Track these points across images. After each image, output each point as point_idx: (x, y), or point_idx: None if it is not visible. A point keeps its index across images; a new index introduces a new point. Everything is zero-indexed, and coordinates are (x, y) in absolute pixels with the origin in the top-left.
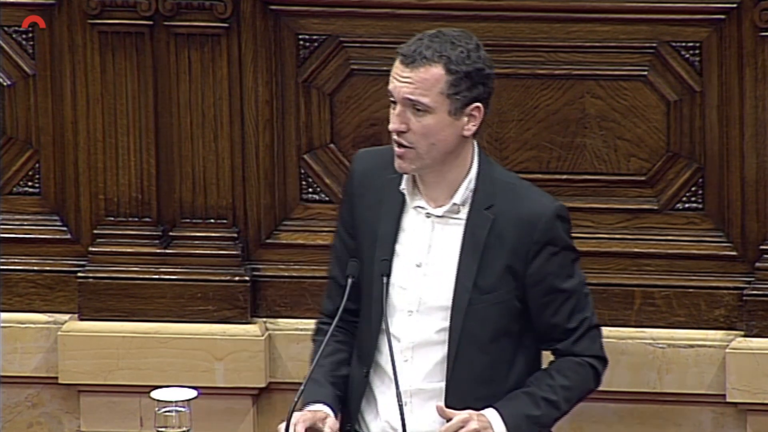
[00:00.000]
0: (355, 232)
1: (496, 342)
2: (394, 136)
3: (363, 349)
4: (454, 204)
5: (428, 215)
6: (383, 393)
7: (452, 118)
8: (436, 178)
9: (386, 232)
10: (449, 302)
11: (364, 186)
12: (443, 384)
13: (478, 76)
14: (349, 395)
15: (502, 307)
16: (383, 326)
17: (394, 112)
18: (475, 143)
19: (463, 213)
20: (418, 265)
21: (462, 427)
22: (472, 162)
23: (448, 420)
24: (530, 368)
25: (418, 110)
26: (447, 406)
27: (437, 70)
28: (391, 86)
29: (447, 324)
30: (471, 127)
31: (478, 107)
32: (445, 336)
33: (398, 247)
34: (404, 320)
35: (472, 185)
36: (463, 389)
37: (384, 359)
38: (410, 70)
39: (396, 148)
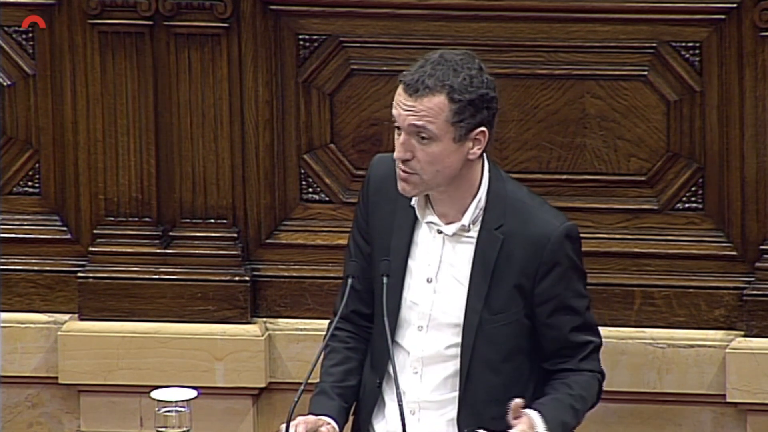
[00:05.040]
0: (369, 238)
1: (510, 362)
2: (399, 163)
3: (376, 358)
4: (463, 225)
5: (439, 231)
6: (393, 401)
7: (457, 145)
8: (442, 196)
9: (399, 245)
10: (460, 320)
11: (379, 194)
12: (451, 395)
13: (481, 102)
14: (361, 403)
15: (513, 327)
16: (395, 338)
17: (399, 140)
18: (486, 159)
19: (474, 231)
20: (428, 281)
21: None
22: (481, 179)
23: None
24: (545, 386)
25: (423, 138)
26: (460, 426)
27: (440, 99)
28: (395, 113)
29: (457, 339)
30: (476, 151)
31: (483, 131)
32: (455, 351)
33: (410, 262)
34: (415, 335)
35: (482, 204)
36: (476, 409)
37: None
38: (413, 99)
39: (400, 172)
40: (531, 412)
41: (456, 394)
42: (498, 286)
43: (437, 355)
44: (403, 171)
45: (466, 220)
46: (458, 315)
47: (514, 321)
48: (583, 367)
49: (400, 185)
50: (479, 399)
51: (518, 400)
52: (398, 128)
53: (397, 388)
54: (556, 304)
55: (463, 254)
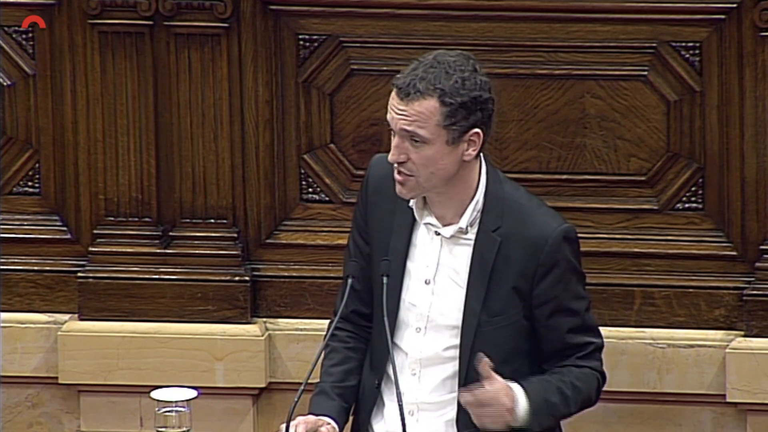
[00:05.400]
0: (369, 238)
1: (509, 363)
2: (395, 165)
3: (375, 359)
4: (461, 227)
5: (437, 233)
6: (392, 401)
7: (451, 147)
8: (440, 197)
9: (397, 246)
10: (458, 322)
11: (378, 194)
12: (450, 396)
13: (474, 104)
14: (360, 403)
15: (511, 329)
16: (394, 339)
17: (393, 143)
18: (483, 160)
19: (471, 233)
20: (426, 282)
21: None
22: (479, 181)
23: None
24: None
25: (416, 141)
26: (459, 427)
27: (431, 103)
28: (388, 117)
29: (455, 341)
30: (471, 152)
31: (477, 133)
32: (454, 353)
33: (409, 264)
34: (413, 336)
35: (479, 206)
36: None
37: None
38: (405, 103)
39: (396, 175)
40: (512, 384)
41: (455, 395)
42: (496, 289)
43: (435, 357)
44: (400, 173)
45: (463, 222)
46: (456, 317)
47: (512, 323)
48: (581, 364)
49: (397, 188)
50: None
51: (485, 360)
52: (393, 132)
53: (397, 388)
54: (555, 306)
55: (461, 256)
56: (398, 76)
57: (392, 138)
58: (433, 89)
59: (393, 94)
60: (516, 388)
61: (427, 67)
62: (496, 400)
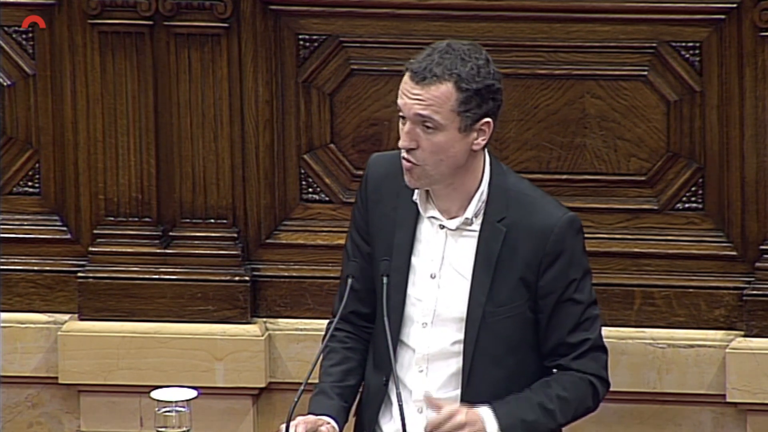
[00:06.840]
0: (370, 238)
1: (513, 355)
2: (404, 153)
3: (380, 357)
4: (467, 218)
5: (441, 227)
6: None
7: (462, 135)
8: (446, 190)
9: (402, 241)
10: (463, 314)
11: (379, 192)
12: (455, 393)
13: (488, 92)
14: (366, 402)
15: (516, 320)
16: (400, 336)
17: (404, 129)
18: (487, 152)
19: (476, 225)
20: (432, 276)
21: (449, 419)
22: (483, 172)
23: (437, 410)
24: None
25: (428, 127)
26: None
27: (447, 88)
28: (400, 102)
29: (462, 336)
30: (480, 142)
31: (488, 122)
32: (460, 348)
33: (414, 259)
34: (419, 331)
35: (484, 197)
36: (479, 403)
37: (401, 369)
38: (420, 87)
39: (404, 162)
40: (481, 408)
41: (460, 392)
42: (502, 279)
43: (442, 352)
44: (407, 161)
45: (469, 213)
46: (462, 310)
47: (518, 313)
48: (573, 366)
49: (406, 177)
50: (483, 394)
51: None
52: (403, 117)
53: (397, 388)
54: (558, 298)
55: (466, 248)
56: (412, 60)
57: (402, 124)
58: (450, 74)
59: (406, 78)
60: (484, 412)
61: (442, 53)
62: (460, 427)
